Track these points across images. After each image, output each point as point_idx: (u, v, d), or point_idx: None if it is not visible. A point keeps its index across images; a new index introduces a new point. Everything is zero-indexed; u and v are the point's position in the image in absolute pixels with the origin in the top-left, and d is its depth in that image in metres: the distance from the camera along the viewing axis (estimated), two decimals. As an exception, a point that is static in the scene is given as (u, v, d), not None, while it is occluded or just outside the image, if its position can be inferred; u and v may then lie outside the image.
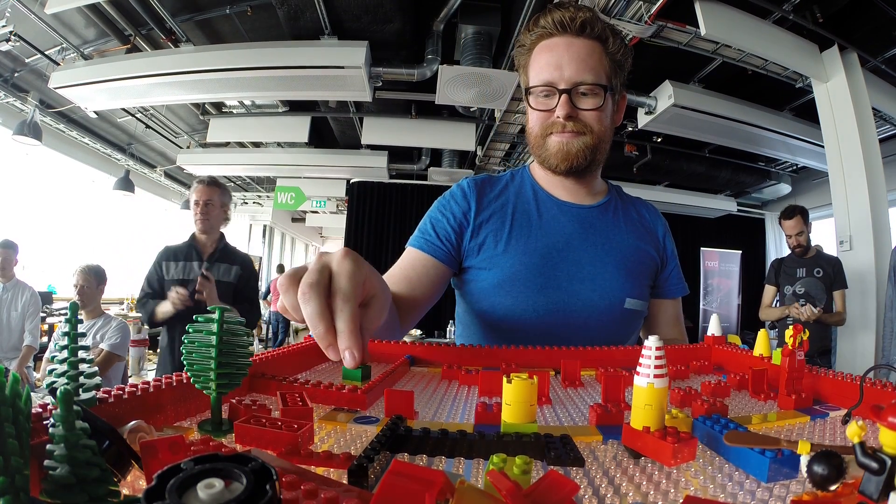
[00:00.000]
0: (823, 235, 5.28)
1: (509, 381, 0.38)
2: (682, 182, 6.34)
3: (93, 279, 2.70)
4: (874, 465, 0.20)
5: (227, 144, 5.74)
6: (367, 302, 0.46)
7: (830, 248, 3.49)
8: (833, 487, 0.22)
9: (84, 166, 6.01)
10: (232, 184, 8.04)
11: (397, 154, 5.97)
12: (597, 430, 0.40)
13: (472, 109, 4.35)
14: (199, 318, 0.38)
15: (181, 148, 5.97)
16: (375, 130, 4.93)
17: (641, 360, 0.35)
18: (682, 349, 0.75)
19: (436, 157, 6.14)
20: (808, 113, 4.22)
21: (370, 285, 0.45)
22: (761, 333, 0.66)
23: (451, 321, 5.26)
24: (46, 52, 3.70)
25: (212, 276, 2.18)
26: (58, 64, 3.77)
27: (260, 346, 7.61)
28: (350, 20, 3.28)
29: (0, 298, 2.98)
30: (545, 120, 0.88)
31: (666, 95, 3.83)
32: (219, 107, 5.02)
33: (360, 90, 3.59)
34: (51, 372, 0.32)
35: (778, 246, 7.04)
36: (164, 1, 3.28)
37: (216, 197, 2.36)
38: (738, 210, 7.02)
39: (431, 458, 0.33)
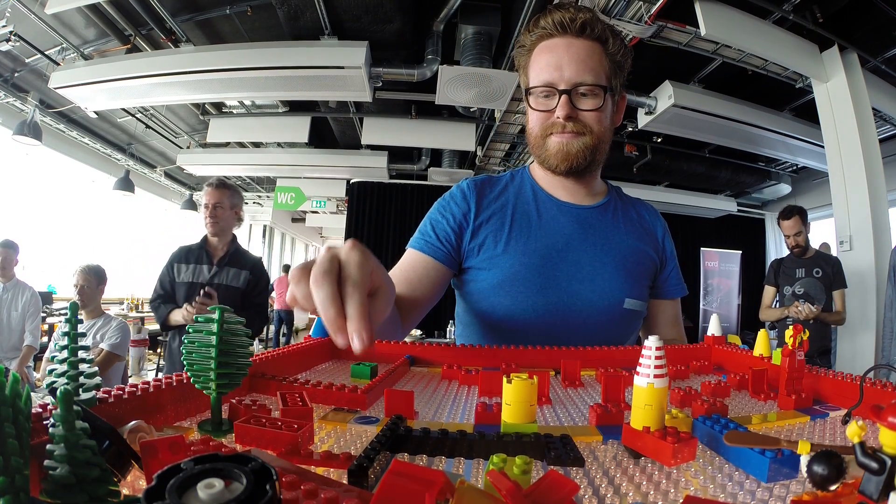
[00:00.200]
0: (823, 235, 5.28)
1: (509, 381, 0.38)
2: (682, 182, 6.34)
3: (93, 279, 2.70)
4: (874, 465, 0.20)
5: (227, 144, 5.74)
6: (373, 293, 0.48)
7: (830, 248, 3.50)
8: (833, 487, 0.22)
9: (84, 166, 6.02)
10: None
11: (397, 154, 5.97)
12: (597, 430, 0.40)
13: (472, 109, 4.35)
14: (199, 319, 0.38)
15: (181, 148, 5.97)
16: (375, 130, 4.93)
17: (641, 361, 0.35)
18: (682, 349, 0.75)
19: (436, 157, 6.14)
20: (808, 113, 4.22)
21: (376, 277, 0.47)
22: (761, 333, 0.66)
23: (451, 321, 5.26)
24: (46, 52, 3.70)
25: (214, 293, 2.15)
26: (58, 64, 3.77)
27: (260, 346, 7.61)
28: (350, 20, 3.28)
29: (0, 298, 2.98)
30: (545, 120, 0.89)
31: (666, 95, 3.83)
32: (219, 107, 5.02)
33: (360, 90, 3.59)
34: (51, 372, 0.32)
35: (778, 246, 7.04)
36: (164, 1, 3.28)
37: (225, 199, 2.34)
38: (738, 210, 7.02)
39: (431, 458, 0.33)
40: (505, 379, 0.39)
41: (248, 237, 9.81)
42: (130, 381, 2.92)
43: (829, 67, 3.40)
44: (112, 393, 0.34)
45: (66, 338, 0.32)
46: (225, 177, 7.11)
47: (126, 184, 5.68)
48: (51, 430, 0.22)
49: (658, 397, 0.33)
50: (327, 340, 0.70)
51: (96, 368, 0.33)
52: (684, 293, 1.07)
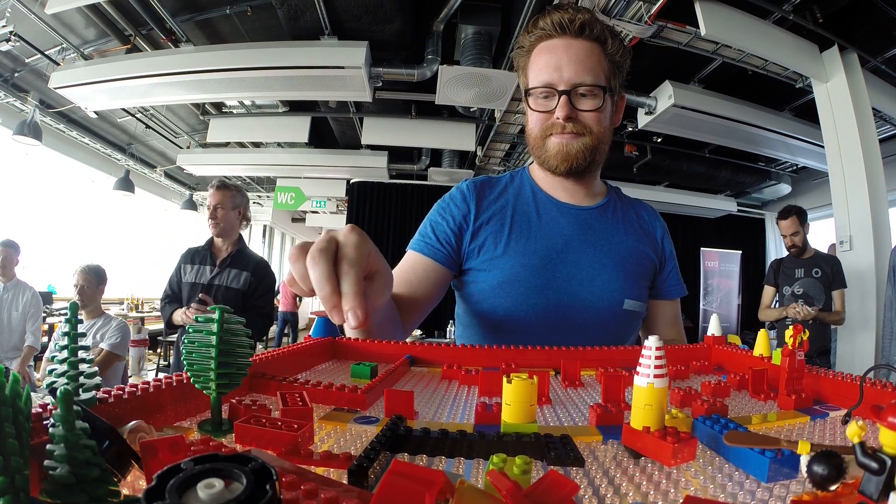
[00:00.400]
0: (823, 236, 5.28)
1: (509, 381, 0.38)
2: (682, 182, 6.34)
3: (93, 279, 2.70)
4: (874, 465, 0.20)
5: (227, 144, 5.74)
6: (371, 276, 0.49)
7: (823, 248, 3.49)
8: (833, 487, 0.22)
9: (84, 166, 6.02)
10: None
11: (397, 154, 5.96)
12: (597, 430, 0.40)
13: (472, 109, 4.35)
14: (199, 318, 0.38)
15: (181, 148, 5.97)
16: (375, 130, 4.93)
17: (641, 361, 0.35)
18: (682, 349, 0.75)
19: (436, 157, 6.14)
20: (808, 113, 4.22)
21: (374, 261, 0.48)
22: (761, 333, 0.66)
23: (451, 321, 5.26)
24: (46, 52, 3.70)
25: (209, 300, 2.16)
26: (58, 64, 3.77)
27: (260, 347, 7.60)
28: (350, 20, 3.28)
29: (1, 298, 2.98)
30: (545, 121, 0.89)
31: (666, 95, 3.83)
32: (219, 107, 5.02)
33: (360, 90, 3.59)
34: (51, 372, 0.32)
35: (778, 246, 7.04)
36: (164, 1, 3.28)
37: (227, 200, 2.35)
38: (738, 210, 7.02)
39: (431, 458, 0.33)
40: (505, 379, 0.39)
41: (249, 237, 9.82)
42: (130, 381, 2.92)
43: (829, 67, 3.40)
44: (112, 393, 0.34)
45: (66, 338, 0.32)
46: (225, 177, 7.12)
47: (126, 184, 5.68)
48: (51, 430, 0.22)
49: (658, 397, 0.33)
50: (327, 340, 0.70)
51: (96, 368, 0.33)
52: (684, 293, 1.07)
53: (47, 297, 5.01)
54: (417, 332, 5.17)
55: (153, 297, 7.13)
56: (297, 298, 7.98)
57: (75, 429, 0.22)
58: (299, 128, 4.95)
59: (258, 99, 4.60)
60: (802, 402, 0.50)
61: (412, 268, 0.93)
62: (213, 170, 6.06)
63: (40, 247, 5.55)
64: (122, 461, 0.26)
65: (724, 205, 6.80)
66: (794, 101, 4.31)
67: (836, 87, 3.39)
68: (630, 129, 4.66)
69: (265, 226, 10.19)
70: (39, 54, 3.69)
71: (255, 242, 10.00)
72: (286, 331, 8.11)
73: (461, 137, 4.95)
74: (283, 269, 9.98)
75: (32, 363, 3.17)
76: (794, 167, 5.95)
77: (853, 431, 0.21)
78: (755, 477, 0.31)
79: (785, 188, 6.42)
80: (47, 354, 2.94)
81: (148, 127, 5.37)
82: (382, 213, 6.57)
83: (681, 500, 0.27)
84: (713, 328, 0.78)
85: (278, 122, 4.99)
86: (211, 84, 3.59)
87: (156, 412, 0.37)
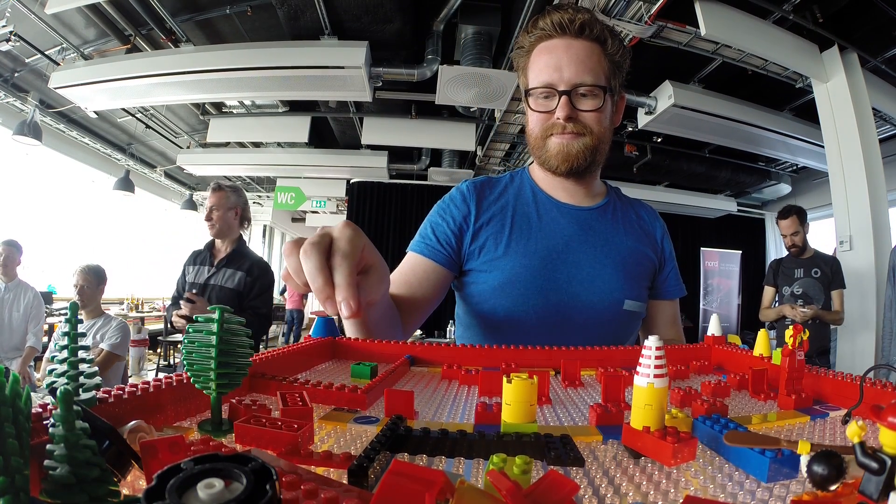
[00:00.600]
0: (823, 236, 5.28)
1: (509, 381, 0.38)
2: (682, 182, 6.34)
3: (93, 279, 2.70)
4: (874, 465, 0.20)
5: (227, 144, 5.74)
6: (366, 270, 0.49)
7: (827, 249, 3.49)
8: (833, 487, 0.22)
9: (84, 166, 6.02)
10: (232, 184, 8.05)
11: (397, 154, 5.96)
12: (597, 430, 0.40)
13: (472, 109, 4.35)
14: (199, 318, 0.38)
15: (181, 148, 5.97)
16: (375, 130, 4.93)
17: (641, 360, 0.35)
18: (683, 349, 0.75)
19: (436, 157, 6.13)
20: (808, 113, 4.22)
21: (369, 255, 0.49)
22: (761, 333, 0.66)
23: (451, 321, 5.26)
24: (46, 52, 3.70)
25: (198, 299, 2.18)
26: (58, 64, 3.77)
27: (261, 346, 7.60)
28: (350, 20, 3.28)
29: (2, 298, 2.98)
30: (545, 121, 0.89)
31: (666, 95, 3.83)
32: (219, 107, 5.02)
33: (360, 90, 3.59)
34: (51, 372, 0.32)
35: (778, 246, 7.04)
36: (164, 1, 3.28)
37: (222, 201, 2.37)
38: (738, 210, 7.02)
39: (431, 458, 0.33)
40: (505, 379, 0.39)
41: (249, 237, 9.81)
42: (130, 381, 2.92)
43: (829, 67, 3.40)
44: (112, 393, 0.34)
45: (66, 338, 0.32)
46: (225, 177, 7.12)
47: (126, 184, 5.68)
48: (51, 430, 0.22)
49: (658, 397, 0.33)
50: (327, 340, 0.70)
51: (96, 368, 0.33)
52: (683, 294, 1.07)
53: (47, 297, 5.01)
54: (417, 333, 5.16)
55: (153, 297, 7.14)
56: (304, 297, 8.00)
57: (75, 429, 0.22)
58: (299, 128, 4.95)
59: (258, 99, 4.60)
60: (802, 402, 0.50)
61: (412, 269, 0.93)
62: (213, 170, 6.06)
63: (40, 247, 5.55)
64: (122, 461, 0.26)
65: (724, 205, 6.80)
66: (794, 101, 4.30)
67: (836, 87, 3.39)
68: (630, 129, 4.66)
69: (265, 226, 10.19)
70: (39, 54, 3.69)
71: (255, 242, 10.01)
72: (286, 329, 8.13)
73: (461, 137, 4.95)
74: (282, 268, 9.98)
75: (32, 363, 3.17)
76: (794, 167, 5.95)
77: (853, 431, 0.21)
78: (755, 477, 0.31)
79: (785, 188, 6.42)
80: (47, 354, 2.94)
81: (148, 127, 5.37)
82: (382, 213, 6.57)
83: (681, 500, 0.27)
84: (713, 328, 0.78)
85: (278, 122, 5.00)
86: (211, 84, 3.59)
87: (156, 412, 0.37)
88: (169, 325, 2.39)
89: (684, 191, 6.57)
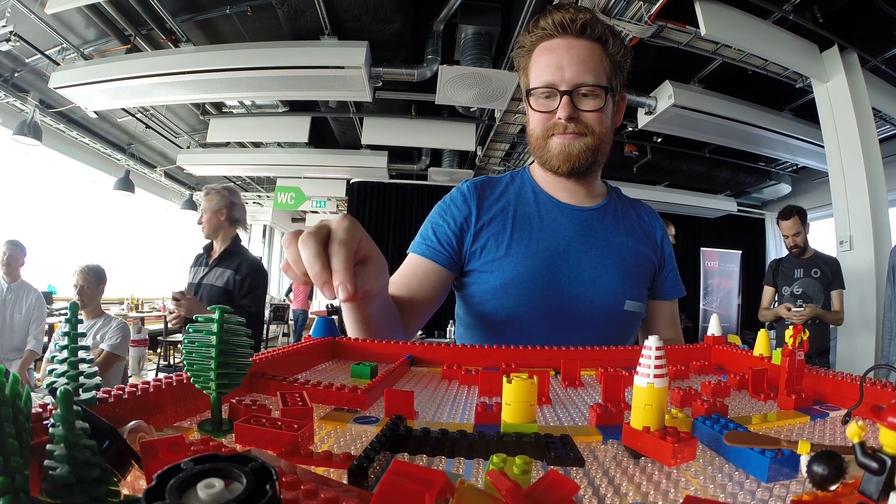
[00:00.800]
0: (823, 236, 5.28)
1: (509, 381, 0.38)
2: (682, 182, 6.34)
3: (93, 279, 2.70)
4: (874, 465, 0.20)
5: (227, 144, 5.74)
6: (363, 262, 0.50)
7: (828, 249, 3.49)
8: (833, 487, 0.22)
9: (84, 166, 6.01)
10: (232, 184, 8.05)
11: (397, 154, 5.96)
12: (597, 430, 0.40)
13: (472, 109, 4.35)
14: (199, 318, 0.38)
15: (181, 148, 5.97)
16: (375, 130, 4.93)
17: (641, 360, 0.35)
18: (683, 349, 0.75)
19: (436, 157, 6.13)
20: (808, 113, 4.22)
21: (366, 247, 0.50)
22: (761, 333, 0.66)
23: (451, 321, 5.26)
24: (46, 52, 3.70)
25: (185, 298, 2.21)
26: (58, 64, 3.77)
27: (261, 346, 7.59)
28: (350, 20, 3.28)
29: (4, 299, 2.97)
30: (546, 121, 0.89)
31: (666, 95, 3.83)
32: (219, 107, 5.02)
33: (360, 90, 3.59)
34: (51, 372, 0.32)
35: (778, 246, 7.04)
36: (164, 1, 3.28)
37: (208, 204, 2.43)
38: (738, 210, 7.02)
39: (431, 458, 0.33)
40: (505, 379, 0.39)
41: (249, 237, 9.82)
42: (130, 381, 2.92)
43: (829, 67, 3.40)
44: (112, 393, 0.34)
45: (66, 338, 0.32)
46: (225, 177, 7.13)
47: (126, 184, 5.68)
48: (51, 430, 0.22)
49: (658, 397, 0.33)
50: (327, 340, 0.70)
51: (96, 368, 0.33)
52: (682, 294, 1.07)
53: (47, 297, 5.01)
54: (418, 332, 5.17)
55: (153, 297, 7.14)
56: (310, 298, 8.02)
57: (75, 429, 0.22)
58: (299, 128, 4.95)
59: (258, 99, 4.61)
60: (802, 402, 0.50)
61: (413, 271, 0.93)
62: (213, 170, 6.06)
63: (40, 247, 5.54)
64: (122, 461, 0.26)
65: (724, 205, 6.80)
66: (794, 101, 4.30)
67: (836, 87, 3.39)
68: (630, 129, 4.66)
69: (265, 226, 10.19)
70: (39, 54, 3.69)
71: (255, 242, 10.00)
72: (292, 329, 8.14)
73: (461, 137, 4.95)
74: (282, 261, 9.99)
75: (32, 366, 3.16)
76: (794, 167, 5.95)
77: (853, 431, 0.21)
78: (755, 477, 0.31)
79: (785, 188, 6.42)
80: (47, 355, 2.94)
81: (148, 127, 5.37)
82: (382, 213, 6.57)
83: (681, 500, 0.27)
84: (713, 328, 0.78)
85: (278, 122, 5.00)
86: (211, 84, 3.60)
87: (156, 412, 0.37)
88: (169, 325, 2.43)
89: (684, 191, 6.57)
